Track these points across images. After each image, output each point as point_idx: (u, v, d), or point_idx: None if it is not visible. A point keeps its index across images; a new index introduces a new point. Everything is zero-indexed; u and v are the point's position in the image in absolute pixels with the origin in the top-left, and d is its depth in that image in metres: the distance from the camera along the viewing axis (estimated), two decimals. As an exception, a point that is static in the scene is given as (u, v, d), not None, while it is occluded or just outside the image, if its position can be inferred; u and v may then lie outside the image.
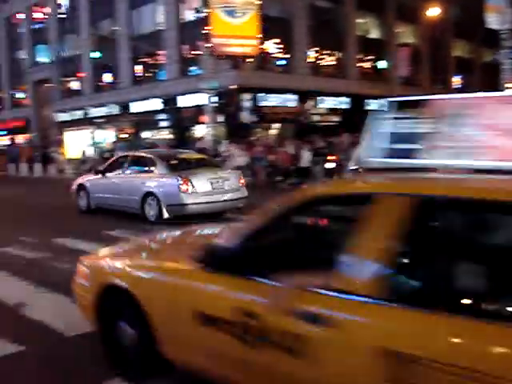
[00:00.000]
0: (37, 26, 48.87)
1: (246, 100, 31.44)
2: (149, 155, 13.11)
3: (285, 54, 34.60)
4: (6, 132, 54.35)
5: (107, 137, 39.81)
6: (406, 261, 2.83)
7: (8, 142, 49.16)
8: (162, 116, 35.62)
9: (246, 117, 31.30)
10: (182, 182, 11.59)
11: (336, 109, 36.18)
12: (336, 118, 35.68)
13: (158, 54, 34.79)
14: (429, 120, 3.38)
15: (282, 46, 34.33)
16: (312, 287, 2.90)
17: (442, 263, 2.64)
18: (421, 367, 2.40)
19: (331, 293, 2.81)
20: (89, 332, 4.68)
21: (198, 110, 30.63)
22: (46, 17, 47.17)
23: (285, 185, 19.33)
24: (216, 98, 27.28)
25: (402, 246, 2.75)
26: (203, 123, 29.61)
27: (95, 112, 41.02)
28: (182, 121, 34.17)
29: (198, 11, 32.96)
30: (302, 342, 2.85)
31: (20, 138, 50.17)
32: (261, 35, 30.37)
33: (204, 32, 29.35)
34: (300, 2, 34.61)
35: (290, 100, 33.79)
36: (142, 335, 3.82)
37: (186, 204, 11.57)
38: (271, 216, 3.36)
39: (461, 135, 3.20)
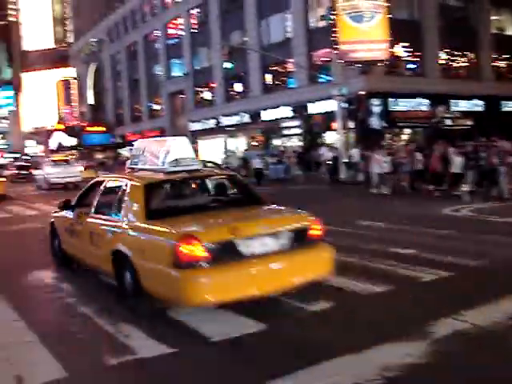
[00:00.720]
0: (171, 42, 52.13)
1: (375, 105, 31.31)
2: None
3: (415, 57, 33.92)
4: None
5: (239, 145, 41.42)
6: (100, 201, 7.38)
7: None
8: (292, 123, 36.35)
9: (376, 122, 31.14)
10: None
11: (470, 112, 34.81)
12: (469, 122, 34.36)
13: (287, 62, 35.50)
14: (137, 148, 7.62)
15: (411, 48, 33.67)
16: (85, 212, 7.45)
17: (106, 202, 7.22)
18: (96, 236, 6.95)
19: (90, 215, 7.27)
20: (234, 337, 5.12)
21: (328, 116, 30.95)
22: (180, 32, 50.07)
23: (437, 193, 17.90)
24: (346, 104, 27.45)
25: (102, 197, 7.35)
26: (333, 130, 29.87)
27: (227, 121, 42.67)
28: (312, 127, 34.71)
29: (324, 18, 33.33)
30: (79, 232, 7.52)
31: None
32: (390, 39, 30.07)
33: (332, 39, 29.65)
34: (430, 2, 33.88)
35: (421, 104, 33.08)
36: (58, 243, 8.66)
37: None
38: (83, 190, 8.22)
39: (144, 155, 7.29)
